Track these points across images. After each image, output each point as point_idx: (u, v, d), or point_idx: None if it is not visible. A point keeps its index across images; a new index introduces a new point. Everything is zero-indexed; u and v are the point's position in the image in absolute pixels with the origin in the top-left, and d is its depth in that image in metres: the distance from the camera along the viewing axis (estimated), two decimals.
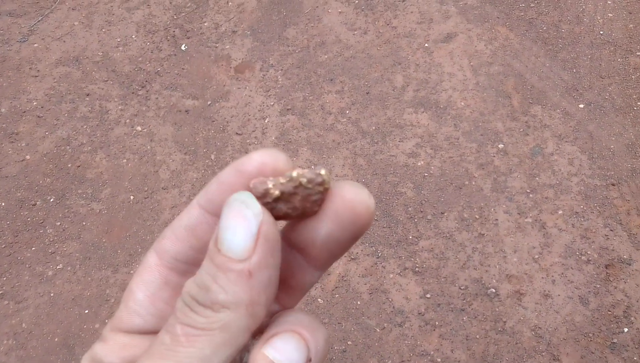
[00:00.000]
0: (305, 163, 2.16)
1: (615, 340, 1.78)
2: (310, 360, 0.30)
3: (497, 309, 1.85)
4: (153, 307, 0.32)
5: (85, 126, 2.28)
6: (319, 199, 0.30)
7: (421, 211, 2.04)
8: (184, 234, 0.32)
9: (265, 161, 0.30)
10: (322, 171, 0.29)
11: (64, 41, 2.52)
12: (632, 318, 1.82)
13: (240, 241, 0.26)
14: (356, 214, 0.29)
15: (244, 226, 0.27)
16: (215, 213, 0.31)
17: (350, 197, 0.29)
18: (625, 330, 1.80)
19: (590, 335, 1.80)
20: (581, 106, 2.24)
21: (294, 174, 0.29)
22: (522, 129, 2.20)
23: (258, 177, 0.29)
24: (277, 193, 0.29)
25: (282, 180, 0.29)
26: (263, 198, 0.29)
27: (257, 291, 0.27)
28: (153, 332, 0.32)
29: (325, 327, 0.33)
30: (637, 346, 1.77)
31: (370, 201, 0.30)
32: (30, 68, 2.44)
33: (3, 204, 2.10)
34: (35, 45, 2.51)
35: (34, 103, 2.34)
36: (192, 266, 0.32)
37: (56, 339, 1.85)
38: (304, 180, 0.29)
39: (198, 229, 0.31)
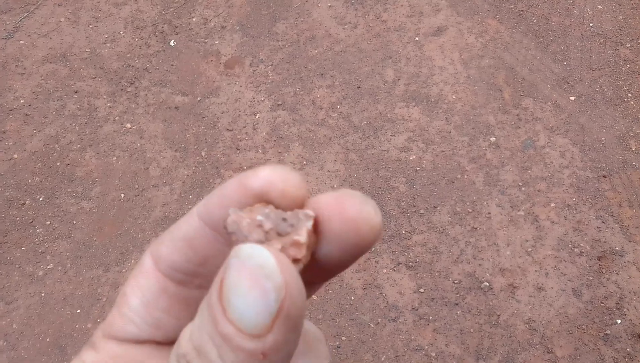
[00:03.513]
0: (297, 158, 2.14)
1: (608, 332, 1.79)
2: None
3: (490, 303, 1.86)
4: (149, 315, 0.30)
5: (73, 124, 2.25)
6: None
7: (414, 206, 2.04)
8: (181, 245, 0.29)
9: (272, 181, 0.26)
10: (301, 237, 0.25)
11: (51, 38, 2.48)
12: (625, 310, 1.82)
13: (254, 316, 0.22)
14: (359, 236, 0.25)
15: (260, 302, 0.22)
16: (215, 228, 0.28)
17: (353, 216, 0.25)
18: (618, 321, 1.81)
19: (584, 327, 1.80)
20: (572, 98, 2.25)
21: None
22: (513, 122, 2.20)
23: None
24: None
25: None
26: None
27: None
28: (148, 341, 0.30)
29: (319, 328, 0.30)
30: (629, 337, 1.78)
31: (377, 218, 0.25)
32: (16, 65, 2.40)
33: None
34: (21, 42, 2.47)
35: (21, 101, 2.30)
36: (190, 276, 0.30)
37: (48, 339, 1.83)
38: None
39: (196, 242, 0.28)
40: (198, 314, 0.24)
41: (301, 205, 0.27)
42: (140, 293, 0.30)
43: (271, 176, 0.26)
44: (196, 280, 0.30)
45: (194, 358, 0.23)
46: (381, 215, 0.26)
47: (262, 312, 0.22)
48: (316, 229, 0.26)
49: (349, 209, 0.25)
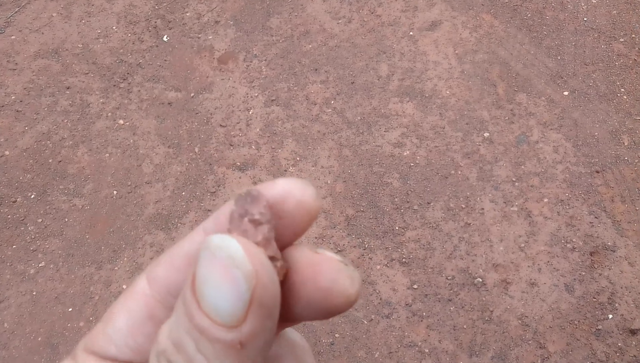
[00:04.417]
0: (291, 154, 2.14)
1: (600, 327, 1.80)
2: None
3: (484, 298, 1.86)
4: (132, 340, 0.29)
5: (66, 120, 2.24)
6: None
7: (407, 202, 2.03)
8: (182, 263, 0.28)
9: (290, 190, 0.26)
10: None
11: (43, 33, 2.46)
12: (617, 305, 1.83)
13: (228, 307, 0.22)
14: (332, 305, 0.25)
15: (232, 292, 0.22)
16: None
17: (327, 285, 0.25)
18: (610, 316, 1.81)
19: (576, 322, 1.81)
20: (566, 93, 2.24)
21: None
22: (507, 118, 2.19)
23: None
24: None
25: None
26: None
27: (250, 360, 0.23)
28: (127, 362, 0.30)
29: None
30: (621, 332, 1.79)
31: (352, 289, 0.25)
32: (7, 61, 2.38)
33: None
34: (13, 37, 2.45)
35: (12, 97, 2.29)
36: None
37: (39, 338, 1.82)
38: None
39: None
40: (174, 311, 0.24)
41: (313, 221, 0.27)
42: (127, 316, 0.29)
43: (289, 186, 0.26)
44: None
45: (173, 353, 0.23)
46: (359, 281, 0.25)
47: (235, 302, 0.22)
48: (286, 279, 0.26)
49: (323, 277, 0.25)
